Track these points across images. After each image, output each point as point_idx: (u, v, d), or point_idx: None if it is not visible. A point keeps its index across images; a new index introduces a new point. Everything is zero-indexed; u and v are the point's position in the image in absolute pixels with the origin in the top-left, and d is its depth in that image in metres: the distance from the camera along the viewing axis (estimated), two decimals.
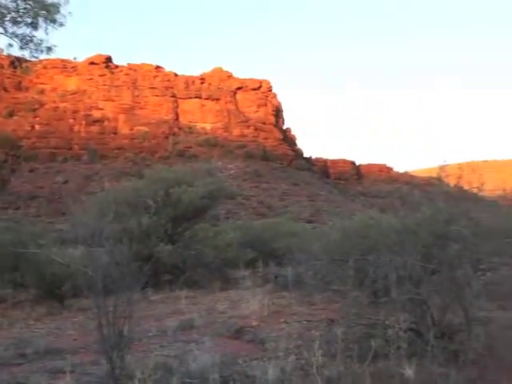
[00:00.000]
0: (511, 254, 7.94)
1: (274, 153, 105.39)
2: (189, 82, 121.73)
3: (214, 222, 24.88)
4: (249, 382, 5.57)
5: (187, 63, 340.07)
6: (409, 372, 5.78)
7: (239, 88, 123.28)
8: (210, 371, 5.54)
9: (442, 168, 7.86)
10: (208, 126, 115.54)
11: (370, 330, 6.98)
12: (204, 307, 10.94)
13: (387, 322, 6.19)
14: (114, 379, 5.25)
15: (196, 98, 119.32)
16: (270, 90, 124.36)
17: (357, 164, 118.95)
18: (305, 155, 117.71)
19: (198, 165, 75.93)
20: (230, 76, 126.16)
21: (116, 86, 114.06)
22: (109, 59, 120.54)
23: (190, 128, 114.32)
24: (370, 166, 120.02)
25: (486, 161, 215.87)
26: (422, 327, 6.64)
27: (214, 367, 5.65)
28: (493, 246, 7.16)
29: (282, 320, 9.16)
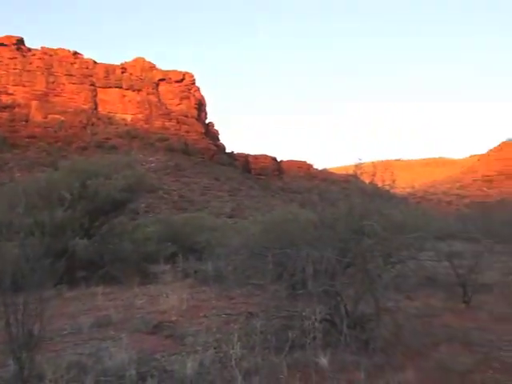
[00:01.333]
0: (418, 248, 8.52)
1: (196, 147, 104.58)
2: (109, 70, 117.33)
3: (133, 215, 24.28)
4: (167, 377, 5.52)
5: (107, 52, 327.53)
6: (323, 361, 6.03)
7: (162, 80, 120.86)
8: (127, 368, 5.42)
9: (357, 166, 8.22)
10: (128, 117, 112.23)
11: (287, 322, 7.18)
12: (121, 303, 10.64)
13: (304, 314, 6.40)
14: (23, 381, 4.98)
15: (116, 87, 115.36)
16: (194, 83, 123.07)
17: (278, 160, 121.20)
18: (227, 150, 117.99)
19: (118, 157, 73.35)
20: (152, 67, 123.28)
21: (28, 71, 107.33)
22: (20, 41, 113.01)
23: (109, 118, 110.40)
24: (290, 162, 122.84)
25: (398, 160, 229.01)
26: (337, 318, 6.92)
27: (130, 364, 5.53)
28: (402, 241, 7.61)
29: (202, 314, 9.16)
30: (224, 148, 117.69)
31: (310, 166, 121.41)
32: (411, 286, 10.76)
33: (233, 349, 5.54)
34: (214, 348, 6.44)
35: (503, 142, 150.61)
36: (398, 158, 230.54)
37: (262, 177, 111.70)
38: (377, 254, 7.04)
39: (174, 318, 8.83)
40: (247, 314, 8.48)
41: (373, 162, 8.54)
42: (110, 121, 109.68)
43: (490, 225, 11.37)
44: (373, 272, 6.97)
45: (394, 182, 8.27)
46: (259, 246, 8.09)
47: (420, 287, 11.34)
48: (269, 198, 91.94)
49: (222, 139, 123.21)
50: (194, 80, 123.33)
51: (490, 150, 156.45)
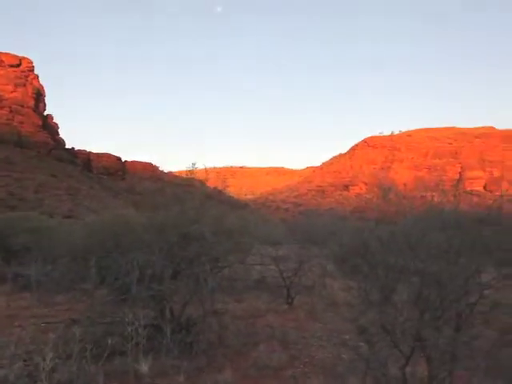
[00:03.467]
0: (245, 252, 8.92)
1: (31, 139, 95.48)
2: None
3: None
4: None
5: None
6: (144, 367, 5.95)
7: None
8: None
9: (190, 171, 8.31)
10: None
11: (110, 329, 6.92)
12: None
13: (127, 320, 6.22)
14: None
15: None
16: (32, 70, 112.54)
17: (122, 160, 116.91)
18: (67, 146, 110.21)
19: None
20: None
21: None
22: None
23: None
24: (135, 163, 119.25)
25: (242, 167, 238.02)
26: (162, 322, 6.87)
27: None
28: (230, 245, 7.88)
29: (17, 324, 8.36)
30: (64, 143, 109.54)
31: (155, 168, 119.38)
32: (240, 289, 11.24)
33: (44, 360, 5.14)
34: (24, 360, 5.91)
35: (334, 157, 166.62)
36: (242, 165, 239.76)
37: (104, 176, 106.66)
38: (204, 258, 7.16)
39: None
40: (69, 322, 7.96)
41: (206, 169, 8.71)
42: None
43: (313, 231, 12.37)
44: (200, 276, 7.07)
45: (226, 187, 8.50)
46: (85, 249, 7.67)
47: (249, 290, 11.89)
48: (111, 198, 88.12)
49: (64, 134, 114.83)
50: (33, 67, 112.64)
51: (324, 162, 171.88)
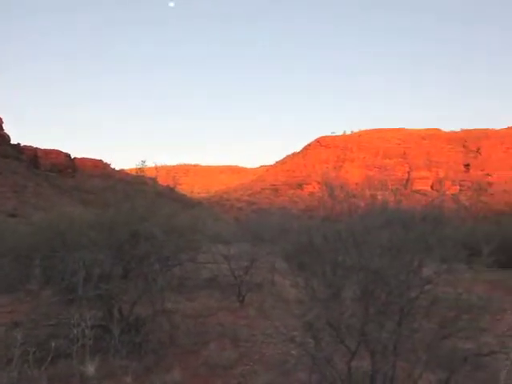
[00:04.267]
0: (196, 250, 8.86)
1: None
2: None
3: None
4: None
5: None
6: (90, 369, 5.80)
7: None
8: None
9: (140, 168, 8.15)
10: None
11: (55, 331, 6.71)
12: None
13: (73, 321, 6.05)
14: None
15: None
16: None
17: (71, 157, 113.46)
18: (12, 141, 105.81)
19: None
20: None
21: None
22: None
23: None
24: (84, 160, 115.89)
25: (196, 165, 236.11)
26: (110, 323, 6.73)
27: None
28: (181, 243, 7.81)
29: None
30: (8, 138, 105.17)
31: (106, 165, 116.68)
32: (192, 288, 11.17)
33: None
34: None
35: (287, 156, 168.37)
36: (196, 163, 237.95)
37: (52, 174, 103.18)
38: (154, 257, 7.06)
39: None
40: (12, 324, 7.65)
41: (156, 166, 8.56)
42: None
43: (264, 229, 12.46)
44: (149, 275, 6.98)
45: (177, 185, 8.43)
46: (29, 248, 7.39)
47: (201, 288, 11.83)
48: (59, 196, 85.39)
49: (8, 129, 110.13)
50: None
51: (277, 161, 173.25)
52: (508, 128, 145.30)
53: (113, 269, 6.67)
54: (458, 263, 4.34)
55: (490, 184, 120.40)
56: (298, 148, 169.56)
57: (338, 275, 3.72)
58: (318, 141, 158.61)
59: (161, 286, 6.98)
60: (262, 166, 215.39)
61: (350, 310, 3.73)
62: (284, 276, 7.95)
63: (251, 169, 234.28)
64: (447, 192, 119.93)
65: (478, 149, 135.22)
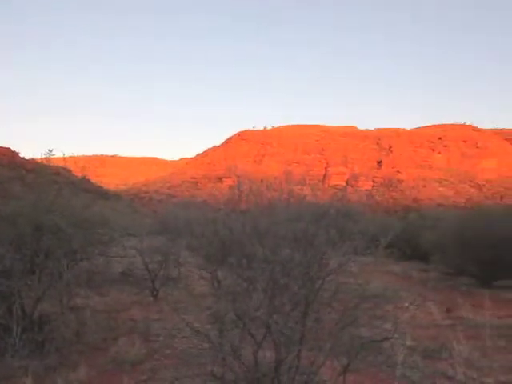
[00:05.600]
0: (108, 244, 8.57)
1: None
2: None
3: None
4: None
5: None
6: None
7: None
8: None
9: (47, 158, 7.73)
10: None
11: None
12: None
13: None
14: None
15: None
16: None
17: None
18: None
19: None
20: None
21: None
22: None
23: None
24: None
25: (115, 156, 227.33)
26: (10, 321, 6.33)
27: None
28: (90, 236, 7.52)
29: None
30: None
31: (15, 154, 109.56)
32: (105, 283, 10.81)
33: None
34: None
35: (208, 149, 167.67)
36: (114, 154, 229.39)
37: None
38: (60, 251, 6.73)
39: None
40: None
41: (64, 156, 8.17)
42: None
43: (180, 222, 12.33)
44: (55, 270, 6.65)
45: (86, 175, 8.09)
46: None
47: (114, 283, 11.49)
48: None
49: None
50: None
51: (198, 154, 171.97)
52: (417, 128, 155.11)
53: (13, 264, 6.25)
54: (365, 255, 4.54)
55: (400, 181, 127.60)
56: (220, 141, 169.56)
57: (244, 267, 3.76)
58: (239, 135, 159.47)
59: (67, 281, 6.67)
60: (182, 159, 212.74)
61: (255, 301, 3.78)
62: (198, 269, 7.93)
63: (171, 161, 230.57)
64: (361, 187, 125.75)
65: (390, 147, 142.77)
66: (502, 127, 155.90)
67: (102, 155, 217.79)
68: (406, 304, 4.85)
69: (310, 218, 4.43)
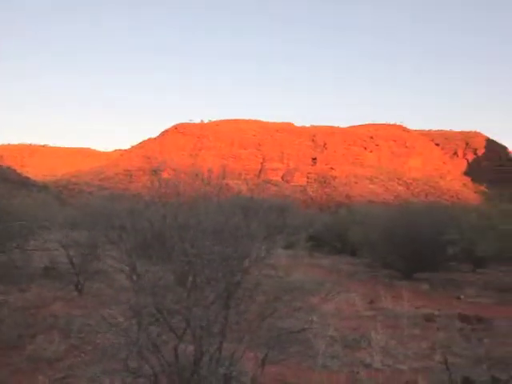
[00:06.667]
0: (26, 236, 8.16)
1: None
2: None
3: None
4: None
5: None
6: None
7: None
8: None
9: None
10: None
11: None
12: None
13: None
14: None
15: None
16: None
17: None
18: None
19: None
20: None
21: None
22: None
23: None
24: None
25: (45, 145, 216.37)
26: None
27: None
28: (5, 228, 7.13)
29: None
30: None
31: None
32: (26, 278, 10.29)
33: None
34: None
35: (144, 141, 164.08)
36: (45, 143, 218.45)
37: None
38: None
39: None
40: None
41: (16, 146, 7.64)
42: None
43: (109, 215, 11.94)
44: None
45: (1, 165, 7.62)
46: None
47: (36, 278, 10.97)
48: None
49: None
50: None
51: (133, 146, 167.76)
52: (350, 127, 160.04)
53: None
54: (291, 248, 4.61)
55: (333, 177, 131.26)
56: (156, 133, 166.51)
57: (163, 259, 3.70)
58: (175, 127, 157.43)
59: None
60: (116, 150, 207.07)
61: (175, 295, 3.74)
62: (114, 263, 7.70)
63: (105, 152, 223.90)
64: (296, 183, 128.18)
65: (325, 144, 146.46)
66: (429, 128, 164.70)
67: (30, 144, 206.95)
68: (325, 294, 4.97)
69: (237, 211, 4.43)
